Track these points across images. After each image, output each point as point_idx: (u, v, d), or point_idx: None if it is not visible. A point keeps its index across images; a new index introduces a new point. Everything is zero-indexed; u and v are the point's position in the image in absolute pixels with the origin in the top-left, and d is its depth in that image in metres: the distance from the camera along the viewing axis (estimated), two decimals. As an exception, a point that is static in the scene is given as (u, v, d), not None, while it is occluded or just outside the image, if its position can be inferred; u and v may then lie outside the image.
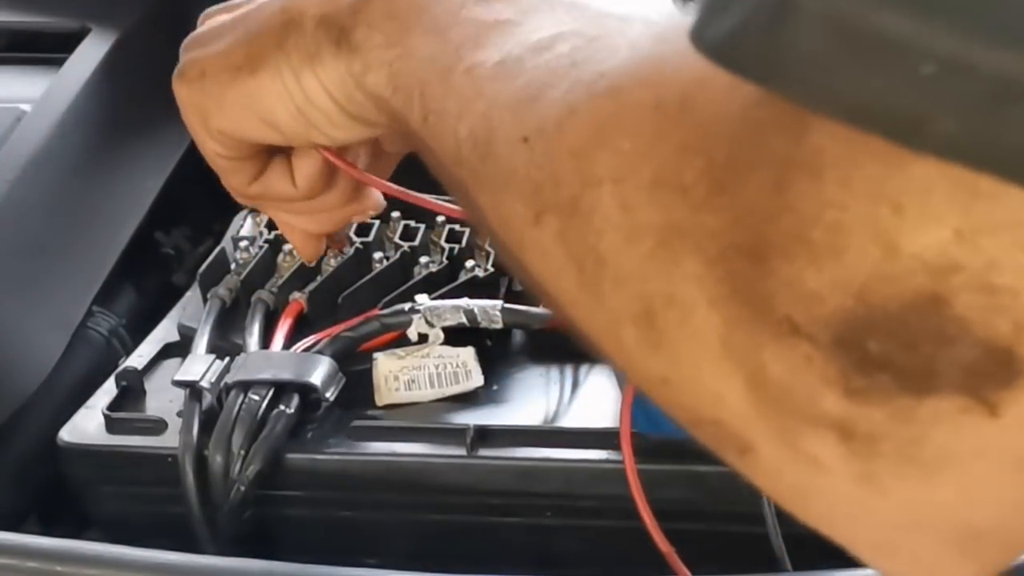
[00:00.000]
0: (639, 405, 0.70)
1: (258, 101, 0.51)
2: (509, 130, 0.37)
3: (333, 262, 0.85)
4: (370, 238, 0.87)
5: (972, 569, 0.31)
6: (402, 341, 0.80)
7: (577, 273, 0.34)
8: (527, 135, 0.36)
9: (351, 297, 0.83)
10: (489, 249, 0.86)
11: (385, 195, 0.59)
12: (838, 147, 0.27)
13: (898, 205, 0.26)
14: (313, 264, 0.83)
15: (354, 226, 0.86)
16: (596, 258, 0.33)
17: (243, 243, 0.87)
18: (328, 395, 0.77)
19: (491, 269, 0.84)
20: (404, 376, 0.79)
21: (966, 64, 0.24)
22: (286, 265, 0.86)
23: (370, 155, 0.58)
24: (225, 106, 0.52)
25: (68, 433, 0.78)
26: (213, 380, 0.76)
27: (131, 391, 0.81)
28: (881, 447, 0.28)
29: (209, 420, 0.75)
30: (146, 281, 0.98)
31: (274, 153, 0.56)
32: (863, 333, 0.27)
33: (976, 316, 0.26)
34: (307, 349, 0.79)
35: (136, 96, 1.01)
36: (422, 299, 0.80)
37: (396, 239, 0.87)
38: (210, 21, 0.55)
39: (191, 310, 0.87)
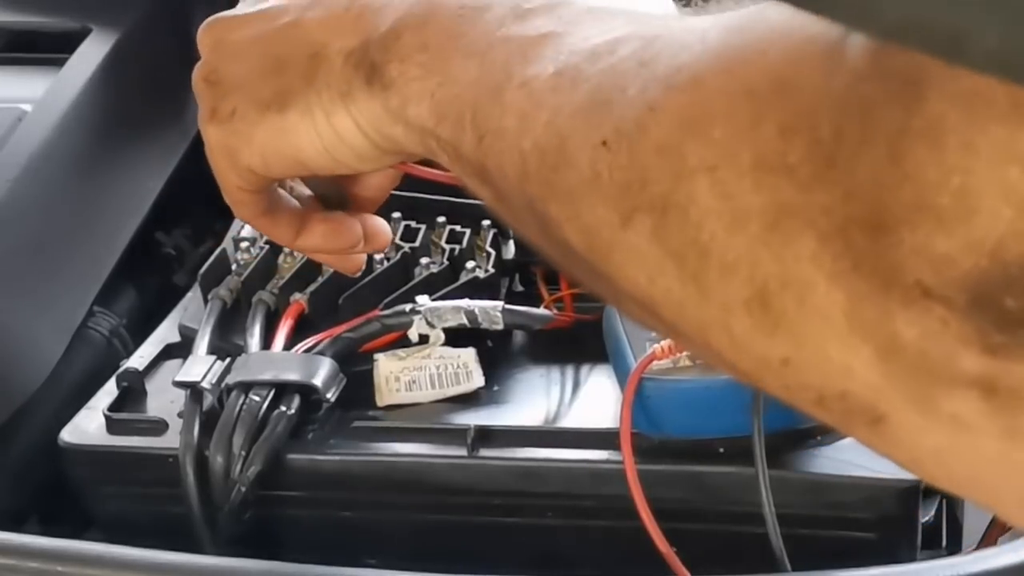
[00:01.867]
0: (639, 405, 0.71)
1: (287, 139, 0.51)
2: (583, 136, 0.36)
3: (334, 262, 0.85)
4: (371, 238, 0.87)
5: None
6: (403, 342, 0.80)
7: (678, 269, 0.34)
8: (605, 138, 0.35)
9: (352, 298, 0.83)
10: (489, 250, 0.86)
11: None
12: (958, 113, 0.27)
13: None
14: (319, 265, 0.83)
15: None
16: (698, 250, 0.33)
17: (244, 244, 0.87)
18: (329, 396, 0.77)
19: (491, 270, 0.84)
20: (405, 377, 0.79)
21: None
22: (287, 266, 0.86)
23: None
24: (254, 144, 0.52)
25: (69, 434, 0.78)
26: (214, 381, 0.76)
27: (132, 392, 0.81)
28: None
29: (210, 421, 0.75)
30: (147, 281, 0.98)
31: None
32: (999, 291, 0.28)
33: None
34: (308, 350, 0.79)
35: (137, 96, 1.01)
36: (423, 300, 0.80)
37: (397, 240, 0.87)
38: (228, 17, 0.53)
39: (192, 311, 0.87)
